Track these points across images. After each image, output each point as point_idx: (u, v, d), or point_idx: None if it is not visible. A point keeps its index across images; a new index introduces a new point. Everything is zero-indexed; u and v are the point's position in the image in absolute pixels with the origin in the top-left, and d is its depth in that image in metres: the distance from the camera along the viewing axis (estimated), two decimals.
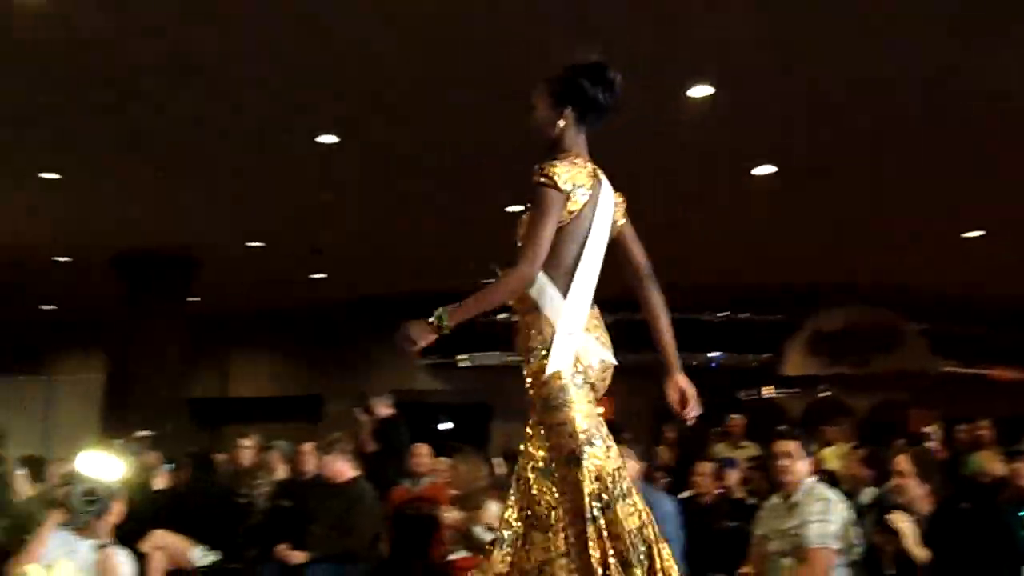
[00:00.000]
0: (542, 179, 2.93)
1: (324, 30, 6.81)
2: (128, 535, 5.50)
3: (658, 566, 2.89)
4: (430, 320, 2.85)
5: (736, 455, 8.81)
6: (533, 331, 3.03)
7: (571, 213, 2.97)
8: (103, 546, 4.91)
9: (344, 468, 6.46)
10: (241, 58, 7.27)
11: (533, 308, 3.03)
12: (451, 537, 5.84)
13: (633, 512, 2.93)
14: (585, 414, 2.96)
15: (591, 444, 2.92)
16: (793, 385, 16.17)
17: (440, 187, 10.24)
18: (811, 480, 4.91)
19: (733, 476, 7.05)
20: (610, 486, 2.90)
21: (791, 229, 11.49)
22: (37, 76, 7.56)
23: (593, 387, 3.06)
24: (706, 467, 6.93)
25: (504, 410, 15.64)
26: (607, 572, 2.80)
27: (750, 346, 16.32)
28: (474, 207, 10.56)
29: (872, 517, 5.27)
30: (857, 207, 10.63)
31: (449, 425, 16.83)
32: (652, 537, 2.93)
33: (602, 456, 2.94)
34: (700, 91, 7.71)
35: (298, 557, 5.94)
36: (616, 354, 3.22)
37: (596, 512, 2.85)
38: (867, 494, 6.11)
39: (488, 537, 5.74)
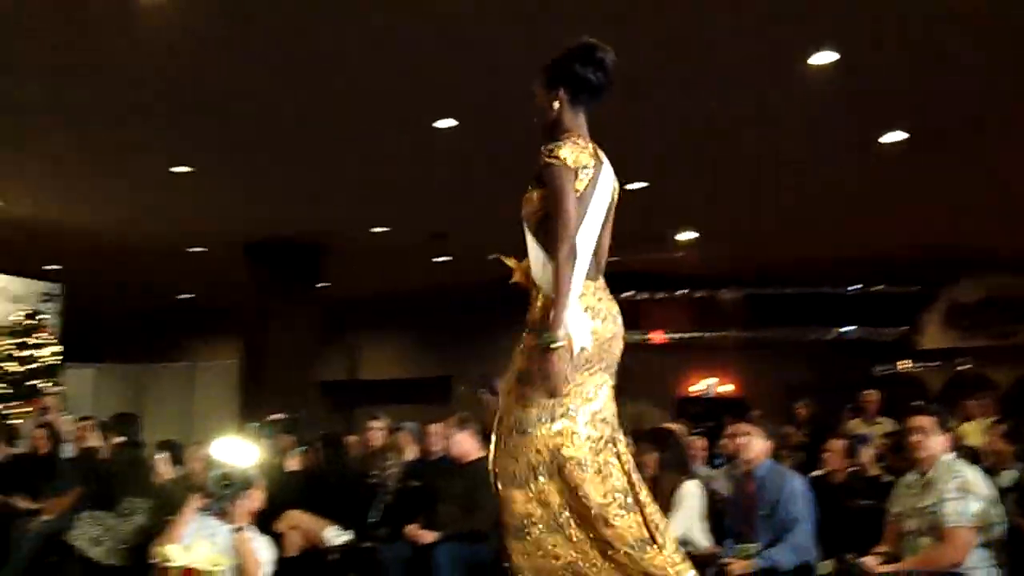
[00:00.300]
0: (552, 160, 3.07)
1: (439, 16, 6.85)
2: (263, 516, 5.67)
3: (648, 508, 3.11)
4: (548, 348, 2.96)
5: (871, 431, 8.58)
6: (532, 307, 3.22)
7: (576, 192, 3.08)
8: (239, 530, 5.06)
9: (471, 448, 6.50)
10: (360, 48, 7.37)
11: (534, 285, 3.22)
12: None
13: (613, 468, 3.12)
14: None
15: (552, 420, 3.09)
16: (931, 359, 15.63)
17: None
18: (949, 456, 4.74)
19: (866, 453, 6.86)
20: (563, 452, 3.07)
21: (925, 196, 11.07)
22: (165, 73, 7.81)
23: (594, 359, 3.14)
24: (837, 444, 6.76)
25: (628, 388, 15.54)
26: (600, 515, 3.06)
27: (885, 319, 15.85)
28: None
29: (1014, 497, 5.05)
30: (993, 171, 10.18)
31: None
32: (636, 488, 3.13)
33: (557, 431, 3.10)
34: (823, 57, 7.48)
35: (427, 537, 6.01)
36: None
37: (541, 474, 3.08)
38: (1007, 476, 5.86)
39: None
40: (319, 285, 14.30)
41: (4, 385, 13.64)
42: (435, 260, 14.58)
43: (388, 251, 13.92)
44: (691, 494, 5.71)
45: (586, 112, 3.25)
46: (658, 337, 15.92)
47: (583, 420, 3.12)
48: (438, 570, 5.69)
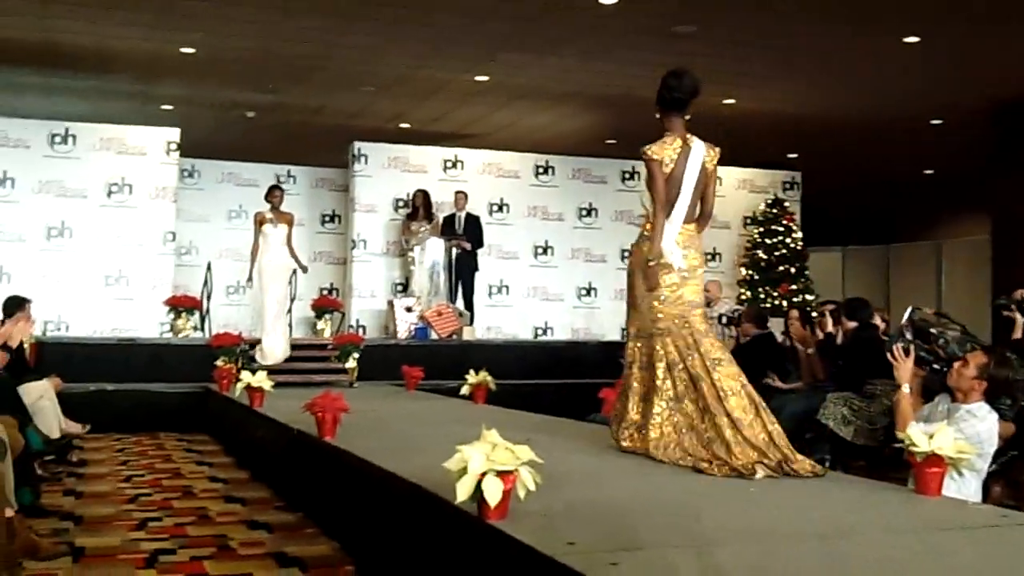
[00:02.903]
0: (644, 157, 4.88)
1: None
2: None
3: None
4: (648, 266, 4.89)
5: None
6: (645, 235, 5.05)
7: (664, 174, 4.84)
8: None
9: None
10: None
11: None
12: None
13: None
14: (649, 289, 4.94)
15: (659, 300, 4.92)
16: None
17: None
18: None
19: None
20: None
21: None
22: None
23: (676, 272, 4.89)
24: None
25: None
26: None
27: None
28: None
29: None
30: None
31: None
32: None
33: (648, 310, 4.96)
34: None
35: None
36: None
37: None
38: None
39: None
40: None
41: (753, 272, 14.43)
42: None
43: None
44: None
45: (680, 116, 4.94)
46: None
47: None
48: None
